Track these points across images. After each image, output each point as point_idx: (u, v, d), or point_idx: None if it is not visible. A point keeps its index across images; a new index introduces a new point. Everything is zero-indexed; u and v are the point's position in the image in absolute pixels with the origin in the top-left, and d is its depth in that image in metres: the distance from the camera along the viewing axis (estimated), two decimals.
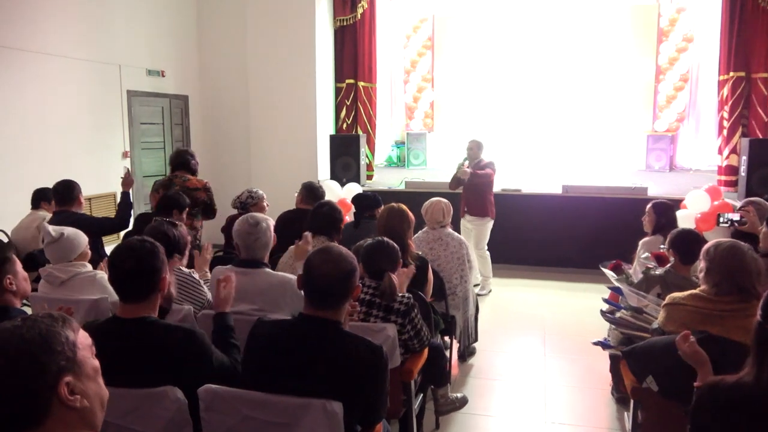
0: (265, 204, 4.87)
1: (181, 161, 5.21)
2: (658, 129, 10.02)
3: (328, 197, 7.04)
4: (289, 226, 4.45)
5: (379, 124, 9.63)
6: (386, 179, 8.97)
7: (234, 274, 2.71)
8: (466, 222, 6.35)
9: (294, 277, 2.95)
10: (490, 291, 6.49)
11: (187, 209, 4.41)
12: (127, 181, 4.87)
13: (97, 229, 4.46)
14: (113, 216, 4.84)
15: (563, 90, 10.21)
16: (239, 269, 3.00)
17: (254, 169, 8.62)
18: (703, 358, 2.21)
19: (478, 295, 6.06)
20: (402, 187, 7.95)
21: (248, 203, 4.78)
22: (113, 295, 2.73)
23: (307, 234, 3.58)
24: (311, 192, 4.88)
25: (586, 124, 10.21)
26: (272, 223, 3.16)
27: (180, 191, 4.59)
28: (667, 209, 4.40)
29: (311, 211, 3.89)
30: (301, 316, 2.12)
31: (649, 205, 4.48)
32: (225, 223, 4.83)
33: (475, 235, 6.34)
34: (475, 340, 4.79)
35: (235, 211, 4.85)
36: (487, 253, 6.45)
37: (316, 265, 2.09)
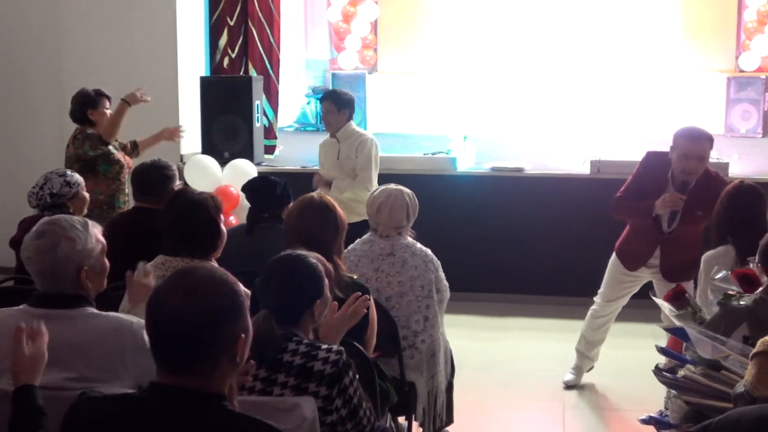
0: (85, 194, 4.88)
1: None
2: (745, 68, 10.35)
3: (199, 183, 7.03)
4: (125, 238, 4.41)
5: (285, 59, 9.61)
6: (298, 153, 8.94)
7: (42, 324, 2.65)
8: None
9: (140, 321, 2.93)
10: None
11: None
12: None
13: None
14: None
15: (593, 10, 10.44)
16: (38, 311, 2.95)
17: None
18: None
19: (569, 386, 5.79)
20: None
21: (63, 195, 4.75)
22: None
23: (142, 264, 3.57)
24: (140, 182, 4.92)
25: (627, 64, 10.44)
26: (98, 230, 3.13)
27: None
28: (746, 200, 4.56)
29: (160, 215, 3.90)
30: (154, 388, 2.11)
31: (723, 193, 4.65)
32: (18, 231, 4.76)
33: None
34: (449, 421, 4.81)
35: (34, 211, 4.82)
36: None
37: (164, 297, 2.09)
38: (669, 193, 5.13)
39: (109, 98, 6.46)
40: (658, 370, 3.54)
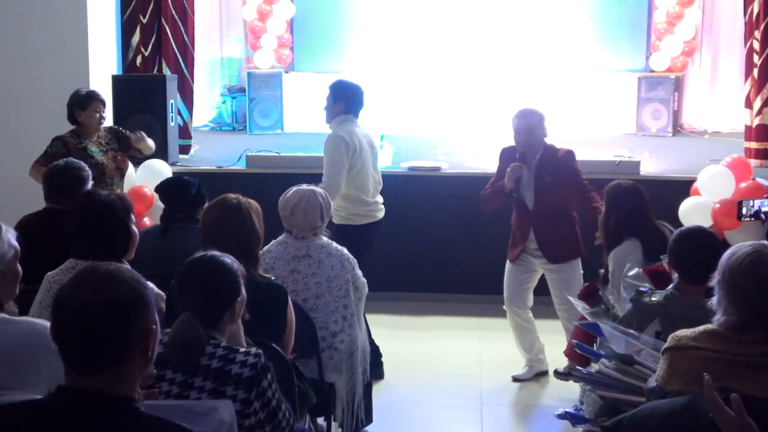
0: None
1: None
2: (656, 68, 10.59)
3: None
4: (35, 239, 4.28)
5: (200, 57, 9.55)
6: (213, 153, 8.90)
7: None
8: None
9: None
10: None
11: None
12: None
13: None
14: None
15: (507, 10, 10.55)
16: None
17: None
18: None
19: (517, 379, 5.89)
20: (241, 167, 7.95)
21: None
22: None
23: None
24: (53, 184, 4.87)
25: (540, 64, 10.59)
26: (12, 235, 3.08)
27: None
28: (634, 197, 4.82)
29: (69, 218, 3.90)
30: (61, 392, 2.08)
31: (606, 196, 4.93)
32: None
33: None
34: (368, 421, 4.85)
35: None
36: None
37: (69, 296, 2.08)
38: (510, 165, 5.67)
39: (102, 101, 6.24)
40: (558, 374, 3.62)
